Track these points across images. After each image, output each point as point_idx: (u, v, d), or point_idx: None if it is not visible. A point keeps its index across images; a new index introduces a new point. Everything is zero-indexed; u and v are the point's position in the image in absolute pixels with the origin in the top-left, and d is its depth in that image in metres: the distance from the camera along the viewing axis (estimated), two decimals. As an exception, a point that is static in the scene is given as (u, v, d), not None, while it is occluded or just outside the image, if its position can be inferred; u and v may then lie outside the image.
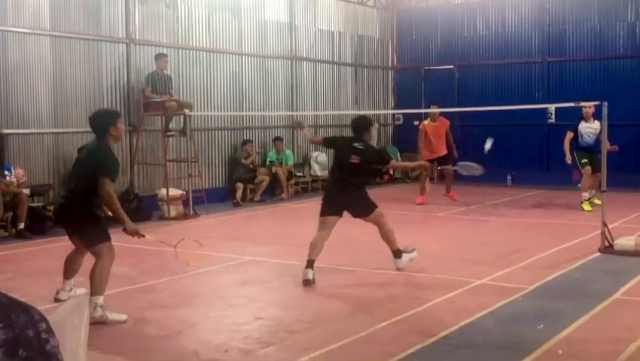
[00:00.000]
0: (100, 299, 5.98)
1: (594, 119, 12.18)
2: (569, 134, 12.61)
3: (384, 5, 19.21)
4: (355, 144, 7.61)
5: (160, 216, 11.94)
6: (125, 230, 6.14)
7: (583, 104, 11.63)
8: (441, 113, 14.09)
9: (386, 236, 7.76)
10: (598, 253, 8.53)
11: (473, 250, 9.06)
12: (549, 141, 16.95)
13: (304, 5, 16.60)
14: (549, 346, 5.20)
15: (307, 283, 7.23)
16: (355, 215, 7.74)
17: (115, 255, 6.20)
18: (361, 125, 7.84)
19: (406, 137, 19.18)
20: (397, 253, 7.77)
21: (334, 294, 7.02)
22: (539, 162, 17.24)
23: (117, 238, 10.16)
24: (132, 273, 7.93)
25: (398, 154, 18.92)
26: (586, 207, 12.08)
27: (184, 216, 11.98)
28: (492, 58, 17.84)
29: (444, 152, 13.70)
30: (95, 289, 5.98)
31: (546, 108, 16.49)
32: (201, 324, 6.07)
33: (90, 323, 5.48)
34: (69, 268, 6.51)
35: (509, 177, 16.99)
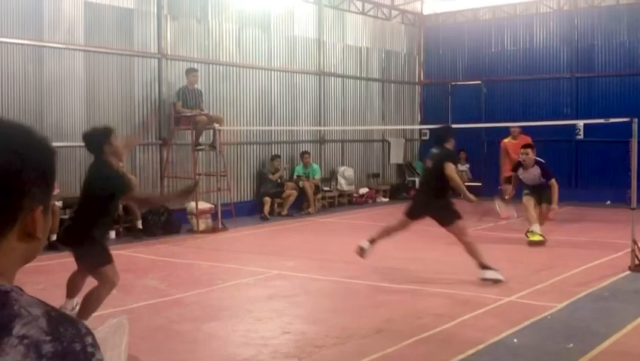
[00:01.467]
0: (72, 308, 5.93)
1: (534, 166, 10.96)
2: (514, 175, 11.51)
3: (411, 21, 19.26)
4: (433, 150, 8.10)
5: (189, 230, 12.05)
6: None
7: (522, 151, 11.02)
8: (467, 128, 14.02)
9: (468, 249, 7.98)
10: (628, 272, 8.44)
11: (501, 267, 8.97)
12: (577, 157, 16.84)
13: (332, 21, 16.71)
14: (578, 366, 5.17)
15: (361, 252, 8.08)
16: (438, 222, 8.09)
17: (119, 277, 5.93)
18: (439, 134, 8.51)
19: (433, 152, 19.16)
20: (482, 266, 7.94)
21: (361, 309, 7.03)
22: (567, 178, 17.08)
23: (146, 251, 10.30)
24: (162, 286, 8.02)
25: (425, 169, 18.90)
26: (532, 237, 10.75)
27: (213, 230, 12.07)
28: (519, 73, 17.78)
29: None
30: (81, 313, 5.73)
31: (574, 124, 16.38)
32: (229, 338, 6.12)
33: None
34: (71, 288, 6.24)
35: (537, 194, 16.84)
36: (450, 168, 7.87)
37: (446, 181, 7.95)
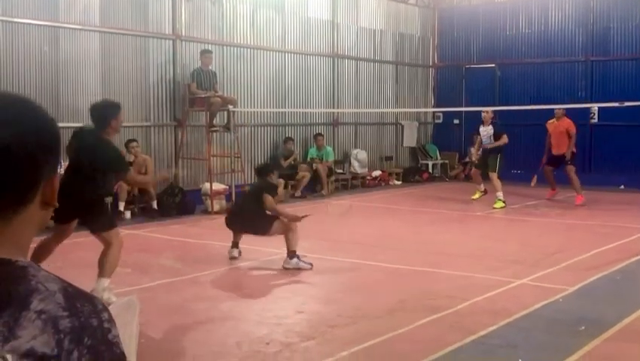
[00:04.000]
0: (107, 282, 6.18)
1: (490, 124, 13.01)
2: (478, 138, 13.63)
3: (425, 3, 19.15)
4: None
5: (203, 210, 12.13)
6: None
7: (484, 109, 13.24)
8: (481, 112, 14.05)
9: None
10: (640, 256, 8.46)
11: (513, 250, 9.04)
12: (592, 141, 16.76)
13: (346, 3, 16.65)
14: (590, 348, 5.20)
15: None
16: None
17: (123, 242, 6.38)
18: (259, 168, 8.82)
19: (446, 135, 19.15)
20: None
21: (374, 290, 7.09)
22: (581, 162, 16.98)
23: (161, 231, 10.39)
24: (177, 265, 8.11)
25: (437, 152, 18.90)
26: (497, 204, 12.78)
27: (227, 211, 12.13)
28: (534, 56, 17.67)
29: (561, 151, 13.51)
30: (105, 271, 6.15)
31: (589, 108, 16.29)
32: (243, 317, 6.19)
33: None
34: (43, 255, 6.29)
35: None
36: (269, 201, 7.92)
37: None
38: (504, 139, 12.86)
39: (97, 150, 6.15)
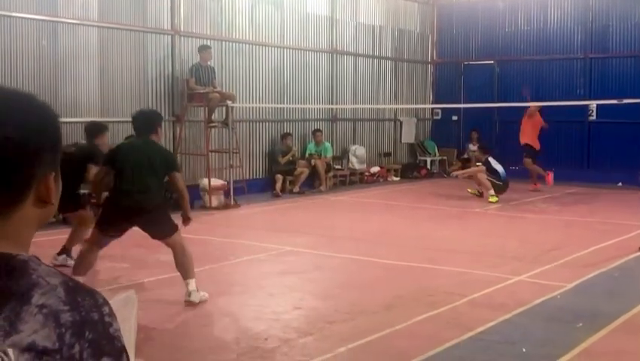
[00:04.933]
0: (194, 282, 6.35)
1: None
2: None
3: (425, 0, 19.15)
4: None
5: (201, 206, 12.13)
6: (188, 218, 6.55)
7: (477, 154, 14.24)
8: (479, 108, 14.46)
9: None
10: (638, 253, 8.45)
11: (512, 246, 9.05)
12: (589, 138, 16.78)
13: (345, -1, 16.65)
14: (587, 345, 5.22)
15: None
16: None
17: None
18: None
19: (444, 131, 19.15)
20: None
21: (372, 286, 7.09)
22: (579, 159, 17.06)
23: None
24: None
25: (436, 149, 18.90)
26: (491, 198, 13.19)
27: (225, 206, 12.15)
28: (533, 54, 17.66)
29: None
30: (189, 273, 6.32)
31: (587, 105, 16.31)
32: (241, 312, 6.20)
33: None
34: (88, 266, 6.41)
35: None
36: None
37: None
38: (477, 169, 13.74)
39: (163, 152, 6.65)
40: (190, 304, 6.23)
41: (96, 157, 7.45)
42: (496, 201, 12.96)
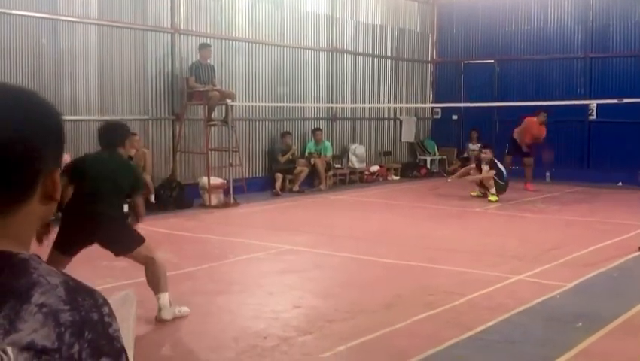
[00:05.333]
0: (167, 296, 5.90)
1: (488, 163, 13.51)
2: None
3: (425, -2, 19.13)
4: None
5: (201, 204, 12.13)
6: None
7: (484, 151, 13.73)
8: (479, 108, 14.47)
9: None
10: (638, 253, 8.45)
11: (511, 245, 9.05)
12: (590, 137, 16.78)
13: (346, -2, 16.64)
14: (587, 345, 5.21)
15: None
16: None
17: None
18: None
19: (444, 131, 19.15)
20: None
21: (372, 285, 7.09)
22: (579, 158, 17.06)
23: (158, 224, 10.38)
24: (174, 259, 8.08)
25: (436, 148, 18.89)
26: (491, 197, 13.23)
27: (225, 205, 12.14)
28: (533, 53, 17.65)
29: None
30: (159, 287, 5.86)
31: (587, 105, 16.30)
32: (240, 311, 6.20)
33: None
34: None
35: (548, 174, 16.83)
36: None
37: None
38: (489, 175, 13.37)
39: (131, 170, 6.16)
40: (161, 321, 5.74)
41: None
42: (496, 201, 12.99)
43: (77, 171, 5.82)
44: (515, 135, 15.04)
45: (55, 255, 5.54)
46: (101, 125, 6.36)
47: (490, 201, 12.98)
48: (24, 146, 1.08)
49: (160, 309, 5.78)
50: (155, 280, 5.84)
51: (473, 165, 14.09)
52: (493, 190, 13.19)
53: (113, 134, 6.01)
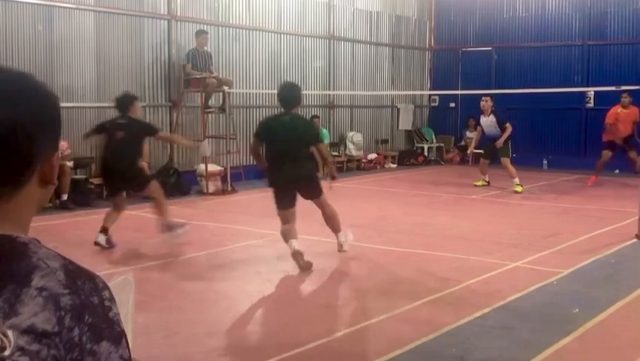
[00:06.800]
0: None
1: (491, 113, 12.94)
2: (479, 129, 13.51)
3: (423, -15, 19.07)
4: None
5: (198, 191, 12.13)
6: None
7: (483, 97, 13.13)
8: (477, 95, 14.15)
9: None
10: (635, 240, 8.48)
11: (508, 233, 9.07)
12: (587, 125, 16.78)
13: (343, -16, 16.56)
14: (584, 330, 5.24)
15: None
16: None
17: None
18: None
19: (442, 118, 19.14)
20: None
21: (369, 272, 7.11)
22: (576, 146, 17.08)
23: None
24: (172, 245, 8.10)
25: (433, 136, 18.89)
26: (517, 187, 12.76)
27: (222, 192, 12.15)
28: (531, 40, 17.63)
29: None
30: (339, 226, 7.46)
31: (585, 92, 16.30)
32: (238, 297, 6.21)
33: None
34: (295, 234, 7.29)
35: (545, 161, 16.87)
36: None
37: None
38: (509, 129, 12.85)
39: (308, 125, 8.06)
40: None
41: (152, 128, 8.32)
42: (521, 191, 12.58)
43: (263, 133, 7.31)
44: (606, 137, 13.80)
45: (280, 214, 7.26)
46: (281, 85, 7.88)
47: (516, 192, 12.58)
48: (24, 131, 1.08)
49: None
50: (332, 221, 7.48)
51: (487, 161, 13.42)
52: (517, 180, 12.71)
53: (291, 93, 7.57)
